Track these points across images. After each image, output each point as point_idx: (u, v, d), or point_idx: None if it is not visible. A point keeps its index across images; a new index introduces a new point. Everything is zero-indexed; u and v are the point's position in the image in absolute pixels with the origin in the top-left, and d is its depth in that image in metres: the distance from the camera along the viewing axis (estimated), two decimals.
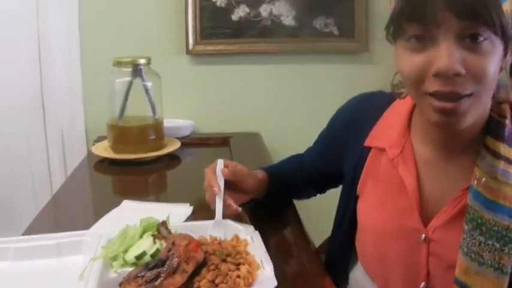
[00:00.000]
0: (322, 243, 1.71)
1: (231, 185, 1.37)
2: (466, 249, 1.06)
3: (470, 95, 0.99)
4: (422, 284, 1.17)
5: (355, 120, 1.34)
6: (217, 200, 1.32)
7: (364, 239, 1.29)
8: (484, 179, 1.05)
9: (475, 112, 1.03)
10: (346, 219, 1.34)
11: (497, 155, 1.05)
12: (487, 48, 0.97)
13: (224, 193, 1.33)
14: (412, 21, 1.01)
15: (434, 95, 1.00)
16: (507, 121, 1.08)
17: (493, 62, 0.98)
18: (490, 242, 1.04)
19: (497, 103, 1.10)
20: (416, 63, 1.01)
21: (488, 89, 1.01)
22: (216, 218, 1.29)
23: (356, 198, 1.32)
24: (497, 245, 1.04)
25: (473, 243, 1.05)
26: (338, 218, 1.40)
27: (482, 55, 0.97)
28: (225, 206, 1.32)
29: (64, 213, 1.72)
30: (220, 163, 1.38)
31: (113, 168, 2.09)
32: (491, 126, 1.09)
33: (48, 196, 2.16)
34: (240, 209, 1.34)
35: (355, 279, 1.36)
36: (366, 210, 1.28)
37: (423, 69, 1.01)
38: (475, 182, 1.06)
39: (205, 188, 1.37)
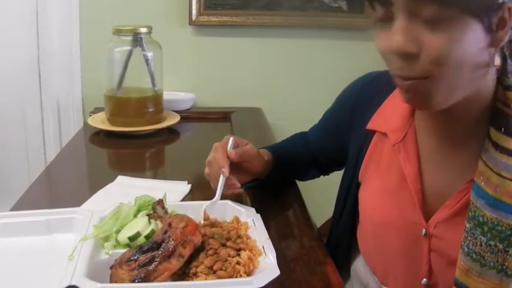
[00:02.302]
0: (323, 224, 1.67)
1: (236, 164, 1.31)
2: (467, 249, 1.00)
3: (427, 76, 0.93)
4: (424, 280, 1.12)
5: (361, 101, 1.29)
6: (221, 180, 1.26)
7: (365, 230, 1.25)
8: (486, 174, 0.98)
9: (444, 94, 0.95)
10: (348, 208, 1.30)
11: (500, 149, 0.97)
12: (449, 27, 0.88)
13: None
14: (372, 1, 0.95)
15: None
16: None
17: (458, 41, 0.89)
18: (492, 243, 0.97)
19: (503, 89, 1.01)
20: (380, 42, 0.96)
21: (455, 70, 0.92)
22: (215, 197, 1.23)
23: (358, 185, 1.27)
24: (501, 246, 0.97)
25: (475, 243, 0.99)
26: (338, 207, 1.36)
27: (440, 33, 0.89)
28: (228, 185, 1.28)
29: (57, 187, 1.69)
30: (231, 142, 1.32)
31: (109, 141, 2.05)
32: (496, 117, 1.00)
33: (42, 167, 2.14)
34: (239, 185, 1.31)
35: (357, 273, 1.32)
36: (368, 199, 1.23)
37: (384, 48, 0.96)
38: (480, 177, 0.99)
39: (209, 162, 1.32)
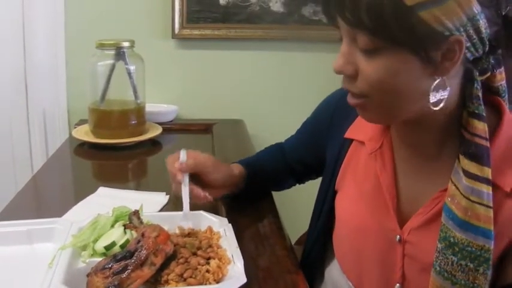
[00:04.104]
0: (302, 235, 1.70)
1: (196, 178, 1.35)
2: (438, 268, 1.02)
3: (365, 96, 1.00)
4: (397, 285, 1.14)
5: (340, 111, 1.32)
6: (183, 190, 1.30)
7: (341, 235, 1.28)
8: (457, 198, 1.01)
9: (381, 111, 1.03)
10: (324, 214, 1.33)
11: (467, 174, 1.00)
12: (382, 56, 0.94)
13: (190, 183, 1.32)
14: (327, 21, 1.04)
15: None
16: (476, 139, 1.01)
17: (391, 70, 0.94)
18: (463, 262, 1.00)
19: (467, 115, 1.03)
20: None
21: (391, 94, 0.98)
22: (184, 209, 1.27)
23: (335, 192, 1.30)
24: (471, 265, 0.99)
25: (446, 262, 1.01)
26: (316, 212, 1.39)
27: (374, 61, 0.95)
28: (198, 197, 1.31)
29: (42, 197, 1.71)
30: (183, 154, 1.36)
31: (93, 153, 2.08)
32: (462, 144, 1.03)
33: (29, 177, 2.15)
34: (210, 197, 1.33)
35: (331, 277, 1.34)
36: (344, 206, 1.26)
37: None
38: (449, 199, 1.02)
39: (171, 179, 1.36)
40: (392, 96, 0.98)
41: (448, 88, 0.97)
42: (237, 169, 1.46)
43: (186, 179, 1.31)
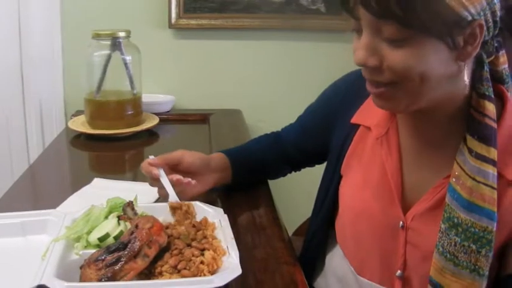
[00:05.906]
0: (301, 225, 1.70)
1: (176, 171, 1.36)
2: (441, 249, 1.03)
3: (391, 83, 1.00)
4: (399, 271, 1.15)
5: (348, 95, 1.32)
6: (162, 181, 1.31)
7: (344, 220, 1.28)
8: (462, 178, 1.02)
9: (407, 99, 1.02)
10: (328, 199, 1.33)
11: (474, 154, 1.01)
12: (409, 45, 0.95)
13: (169, 173, 1.33)
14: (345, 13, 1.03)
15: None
16: (486, 119, 1.02)
17: (418, 57, 0.95)
18: (466, 243, 1.01)
19: (477, 96, 1.04)
20: (353, 49, 1.04)
21: (418, 81, 0.98)
22: (170, 197, 1.28)
23: (340, 177, 1.30)
24: (474, 247, 1.00)
25: (449, 243, 1.02)
26: (320, 198, 1.39)
27: (400, 50, 0.95)
28: (176, 183, 1.30)
29: (37, 189, 1.71)
30: (151, 157, 1.38)
31: (90, 144, 2.07)
32: (470, 124, 1.04)
33: (25, 168, 2.14)
34: (193, 181, 1.32)
35: (332, 264, 1.35)
36: (349, 191, 1.27)
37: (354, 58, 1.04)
38: (454, 179, 1.03)
39: (150, 180, 1.37)
40: (420, 83, 0.98)
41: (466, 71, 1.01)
42: (217, 156, 1.47)
43: (162, 171, 1.32)
